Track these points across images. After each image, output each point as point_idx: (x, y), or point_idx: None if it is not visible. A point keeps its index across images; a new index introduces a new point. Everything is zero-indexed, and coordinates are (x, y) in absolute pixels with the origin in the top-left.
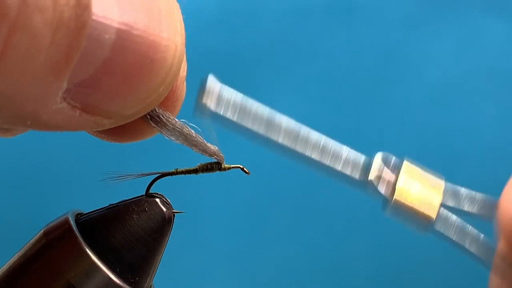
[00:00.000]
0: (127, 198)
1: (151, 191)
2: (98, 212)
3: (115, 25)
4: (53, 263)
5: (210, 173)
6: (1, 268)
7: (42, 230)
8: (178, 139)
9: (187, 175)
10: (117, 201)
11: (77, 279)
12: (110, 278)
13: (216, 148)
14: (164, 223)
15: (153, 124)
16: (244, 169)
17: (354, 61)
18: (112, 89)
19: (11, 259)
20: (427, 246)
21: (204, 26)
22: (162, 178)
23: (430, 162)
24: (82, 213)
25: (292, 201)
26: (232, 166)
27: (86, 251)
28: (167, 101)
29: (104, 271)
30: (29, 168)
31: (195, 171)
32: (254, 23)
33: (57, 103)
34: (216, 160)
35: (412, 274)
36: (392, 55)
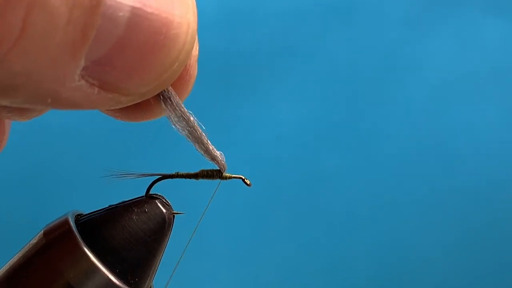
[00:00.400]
0: (127, 199)
1: (151, 192)
2: (98, 213)
3: (129, 3)
4: (53, 264)
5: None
6: (1, 269)
7: (42, 231)
8: (184, 130)
9: (187, 179)
10: (117, 202)
11: (77, 280)
12: (110, 279)
13: (221, 154)
14: (164, 224)
15: (163, 105)
16: (245, 180)
17: (354, 61)
18: (128, 66)
19: (11, 259)
20: (427, 246)
21: (204, 26)
22: (162, 180)
23: (430, 162)
24: (82, 214)
25: (292, 202)
26: (233, 176)
27: (85, 252)
28: (180, 79)
29: (103, 272)
30: (29, 168)
31: (196, 176)
32: (254, 23)
33: (75, 81)
34: (217, 168)
35: (411, 274)
36: (392, 55)
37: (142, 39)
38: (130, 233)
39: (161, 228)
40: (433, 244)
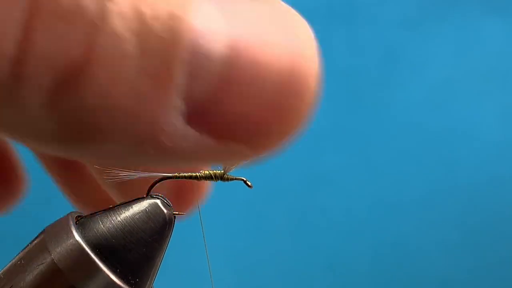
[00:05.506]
0: (128, 199)
1: (152, 192)
2: (99, 213)
3: (223, 38)
4: (54, 264)
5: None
6: (2, 269)
7: (43, 232)
8: None
9: (188, 180)
10: (118, 202)
11: (78, 280)
12: (111, 279)
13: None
14: (165, 225)
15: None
16: (247, 182)
17: (354, 61)
18: (242, 114)
19: (12, 260)
20: (427, 244)
21: None
22: (163, 181)
23: (430, 162)
24: (82, 215)
25: (292, 201)
26: (235, 177)
27: (87, 252)
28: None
29: (104, 272)
30: (29, 168)
31: (197, 177)
32: None
33: (175, 125)
34: (220, 169)
35: (412, 273)
36: (392, 55)
37: (249, 81)
38: (130, 233)
39: (161, 229)
40: (433, 243)
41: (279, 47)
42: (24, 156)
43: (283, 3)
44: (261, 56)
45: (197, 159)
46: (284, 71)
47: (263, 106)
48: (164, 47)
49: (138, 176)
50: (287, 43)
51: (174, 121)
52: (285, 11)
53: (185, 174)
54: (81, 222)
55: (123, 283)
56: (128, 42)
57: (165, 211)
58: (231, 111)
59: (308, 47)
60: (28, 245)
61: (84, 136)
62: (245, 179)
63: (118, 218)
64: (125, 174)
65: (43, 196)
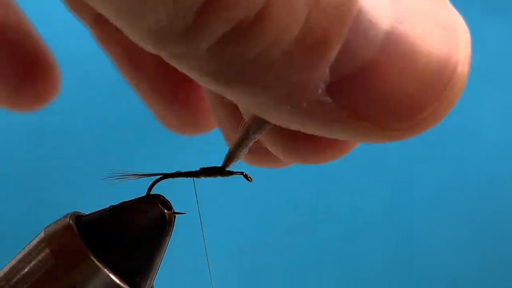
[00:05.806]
0: (127, 199)
1: (152, 192)
2: (99, 214)
3: (386, 22)
4: (54, 265)
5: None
6: (1, 270)
7: (43, 232)
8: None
9: (188, 178)
10: (118, 202)
11: (78, 280)
12: (111, 278)
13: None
14: (165, 224)
15: None
16: (247, 176)
17: None
18: (384, 95)
19: (11, 260)
20: (437, 243)
21: None
22: (163, 180)
23: (430, 163)
24: (82, 214)
25: (295, 200)
26: (234, 172)
27: (86, 252)
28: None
29: (104, 272)
30: (30, 168)
31: (197, 174)
32: None
33: (317, 92)
34: (218, 165)
35: (423, 271)
36: None
37: (401, 65)
38: (131, 233)
39: (162, 228)
40: (443, 241)
41: (438, 39)
42: (25, 157)
43: (448, 2)
44: (418, 44)
45: (327, 126)
46: (439, 62)
47: (408, 92)
48: (328, 22)
49: (138, 176)
50: (446, 38)
51: (317, 87)
52: (449, 9)
53: (185, 172)
54: (81, 222)
55: (123, 283)
56: (299, 11)
57: (164, 211)
58: (375, 90)
59: (464, 46)
60: (28, 245)
61: (237, 80)
62: (244, 173)
63: (118, 219)
64: (125, 174)
65: (43, 196)
